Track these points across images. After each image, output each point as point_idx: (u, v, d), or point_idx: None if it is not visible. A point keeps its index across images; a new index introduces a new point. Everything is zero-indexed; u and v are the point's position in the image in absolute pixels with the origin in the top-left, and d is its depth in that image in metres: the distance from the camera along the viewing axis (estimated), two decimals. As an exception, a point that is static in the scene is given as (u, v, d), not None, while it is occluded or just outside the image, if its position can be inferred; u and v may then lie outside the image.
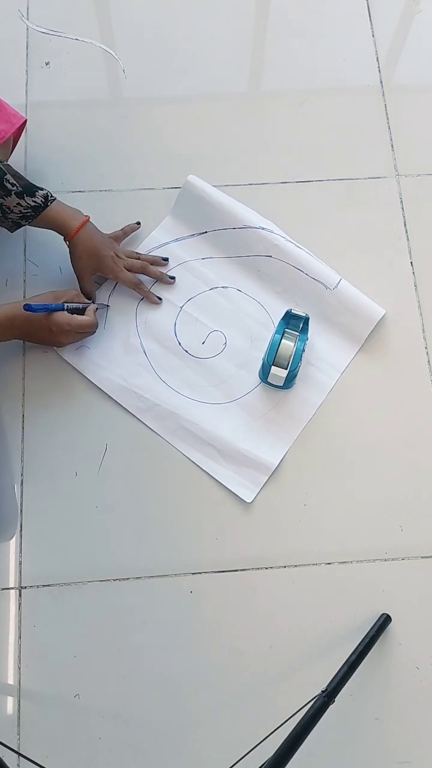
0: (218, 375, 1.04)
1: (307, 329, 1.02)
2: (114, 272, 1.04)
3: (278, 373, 0.98)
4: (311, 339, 1.04)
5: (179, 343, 1.06)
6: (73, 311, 0.98)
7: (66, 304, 0.98)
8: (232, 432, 1.01)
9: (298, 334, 1.00)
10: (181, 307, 1.07)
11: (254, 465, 0.99)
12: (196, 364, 1.05)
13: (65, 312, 0.97)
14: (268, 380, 1.01)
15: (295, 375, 1.00)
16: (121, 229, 1.08)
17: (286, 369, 0.98)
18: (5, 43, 1.22)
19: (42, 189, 0.96)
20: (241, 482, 0.99)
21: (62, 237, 1.00)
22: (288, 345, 0.99)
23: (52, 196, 0.97)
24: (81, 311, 1.00)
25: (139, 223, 1.10)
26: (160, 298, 1.07)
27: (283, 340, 0.99)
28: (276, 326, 1.02)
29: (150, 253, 1.09)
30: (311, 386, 1.03)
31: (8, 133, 1.00)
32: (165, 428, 1.01)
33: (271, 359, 0.98)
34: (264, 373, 1.01)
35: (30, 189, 0.94)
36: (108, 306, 1.06)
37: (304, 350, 1.00)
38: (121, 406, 1.02)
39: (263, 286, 1.08)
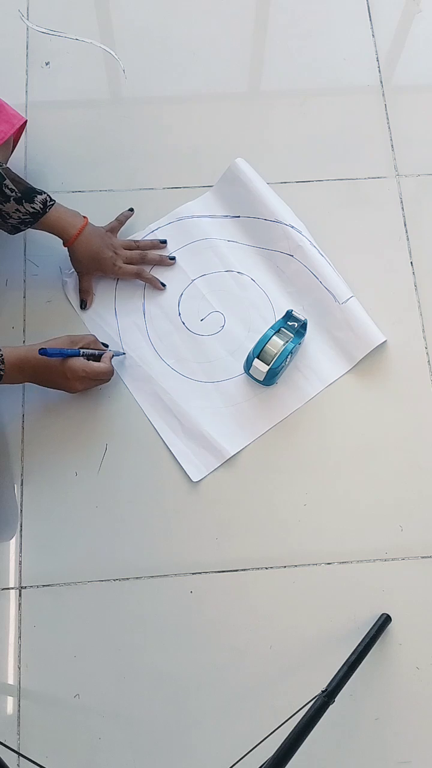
0: (206, 354, 1.05)
1: (303, 334, 1.02)
2: (114, 271, 1.04)
3: (260, 367, 0.98)
4: (307, 346, 1.04)
5: (179, 314, 1.07)
6: (88, 357, 0.97)
7: (82, 350, 0.96)
8: (201, 411, 1.01)
9: (292, 335, 1.00)
10: (193, 281, 1.08)
11: (210, 448, 1.00)
12: (188, 338, 1.06)
13: (81, 358, 0.96)
14: (250, 372, 1.01)
15: (277, 373, 1.00)
16: (116, 219, 1.09)
17: (269, 365, 0.98)
18: (5, 43, 1.22)
19: (41, 193, 0.95)
20: (193, 461, 0.99)
21: (62, 241, 1.01)
22: (277, 342, 0.99)
23: (51, 200, 0.97)
24: (97, 357, 0.99)
25: (132, 210, 1.11)
26: (164, 285, 1.08)
27: (274, 337, 0.99)
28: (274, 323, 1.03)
29: (179, 220, 1.11)
30: (292, 391, 1.03)
31: (8, 133, 1.00)
32: (139, 389, 1.03)
33: (257, 352, 0.98)
34: (247, 364, 1.01)
35: (29, 194, 0.94)
36: (124, 354, 1.05)
37: (292, 352, 1.00)
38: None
39: (277, 283, 1.09)
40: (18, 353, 0.93)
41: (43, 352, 0.92)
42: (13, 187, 0.92)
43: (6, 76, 1.20)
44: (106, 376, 0.99)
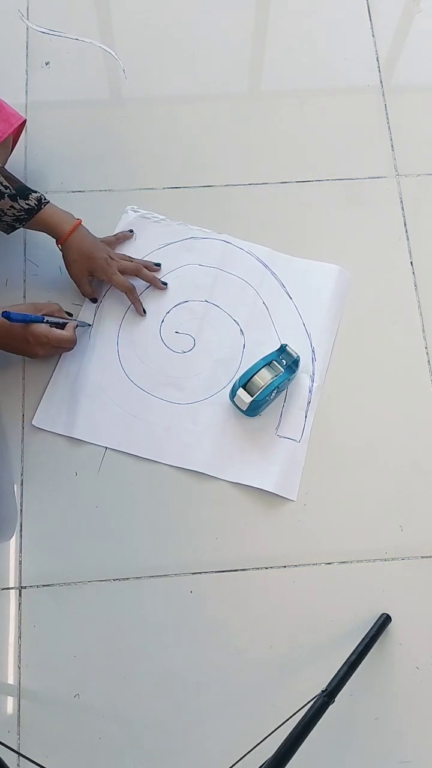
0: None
1: (295, 370, 1.00)
2: (107, 274, 1.03)
3: (243, 397, 0.97)
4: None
5: (160, 332, 1.06)
6: (52, 325, 0.97)
7: (46, 317, 0.96)
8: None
9: (282, 370, 0.99)
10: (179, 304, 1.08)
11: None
12: (166, 354, 1.05)
13: (44, 324, 0.96)
14: (234, 400, 1.00)
15: (261, 405, 0.99)
16: (114, 235, 1.08)
17: (253, 396, 0.97)
18: (5, 43, 1.22)
19: (35, 192, 0.96)
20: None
21: (55, 240, 1.01)
22: (265, 375, 0.98)
23: (45, 199, 0.97)
24: (61, 326, 0.99)
25: (132, 231, 1.10)
26: (145, 312, 1.06)
27: (263, 369, 0.98)
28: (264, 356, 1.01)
29: (145, 257, 1.09)
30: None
31: (6, 132, 1.00)
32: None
33: (243, 382, 0.98)
34: (232, 392, 1.00)
35: (23, 192, 0.95)
36: (90, 325, 1.05)
37: (279, 387, 0.98)
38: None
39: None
40: None
41: (6, 315, 0.92)
42: (8, 184, 0.93)
43: (6, 76, 1.20)
44: (68, 344, 0.99)
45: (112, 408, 1.01)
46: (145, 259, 1.09)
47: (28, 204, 0.95)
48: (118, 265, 1.04)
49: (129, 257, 1.07)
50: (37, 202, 0.96)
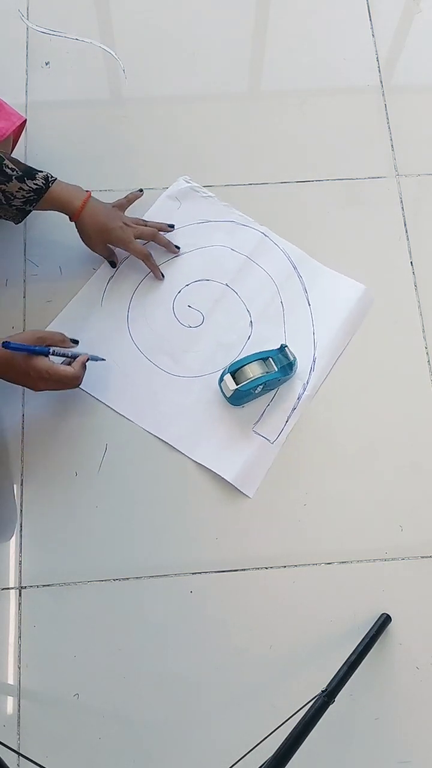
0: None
1: (288, 372, 1.00)
2: (124, 242, 1.03)
3: (228, 384, 0.97)
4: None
5: (173, 308, 1.07)
6: (60, 356, 0.93)
7: (52, 348, 0.91)
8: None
9: (276, 368, 0.99)
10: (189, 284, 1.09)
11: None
12: (176, 329, 1.06)
13: (46, 358, 0.91)
14: (221, 384, 1.00)
15: (244, 396, 0.99)
16: (125, 197, 1.08)
17: (238, 385, 0.97)
18: (5, 43, 1.22)
19: (41, 171, 0.95)
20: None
21: (68, 217, 1.00)
22: (255, 368, 0.98)
23: (52, 176, 0.96)
24: (70, 359, 0.94)
25: (141, 191, 1.10)
26: (163, 276, 1.08)
27: (255, 362, 0.98)
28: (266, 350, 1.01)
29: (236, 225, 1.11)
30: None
31: (8, 130, 1.00)
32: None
33: (232, 368, 0.98)
34: (221, 377, 1.00)
35: (30, 172, 0.94)
36: (104, 360, 1.02)
37: (267, 384, 0.98)
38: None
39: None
40: None
41: (6, 345, 0.88)
42: (14, 167, 0.92)
43: (6, 76, 1.20)
44: (72, 382, 0.93)
45: (108, 361, 1.03)
46: (181, 229, 1.10)
47: (36, 184, 0.94)
48: (134, 231, 1.03)
49: (143, 221, 1.07)
50: (44, 181, 0.95)
